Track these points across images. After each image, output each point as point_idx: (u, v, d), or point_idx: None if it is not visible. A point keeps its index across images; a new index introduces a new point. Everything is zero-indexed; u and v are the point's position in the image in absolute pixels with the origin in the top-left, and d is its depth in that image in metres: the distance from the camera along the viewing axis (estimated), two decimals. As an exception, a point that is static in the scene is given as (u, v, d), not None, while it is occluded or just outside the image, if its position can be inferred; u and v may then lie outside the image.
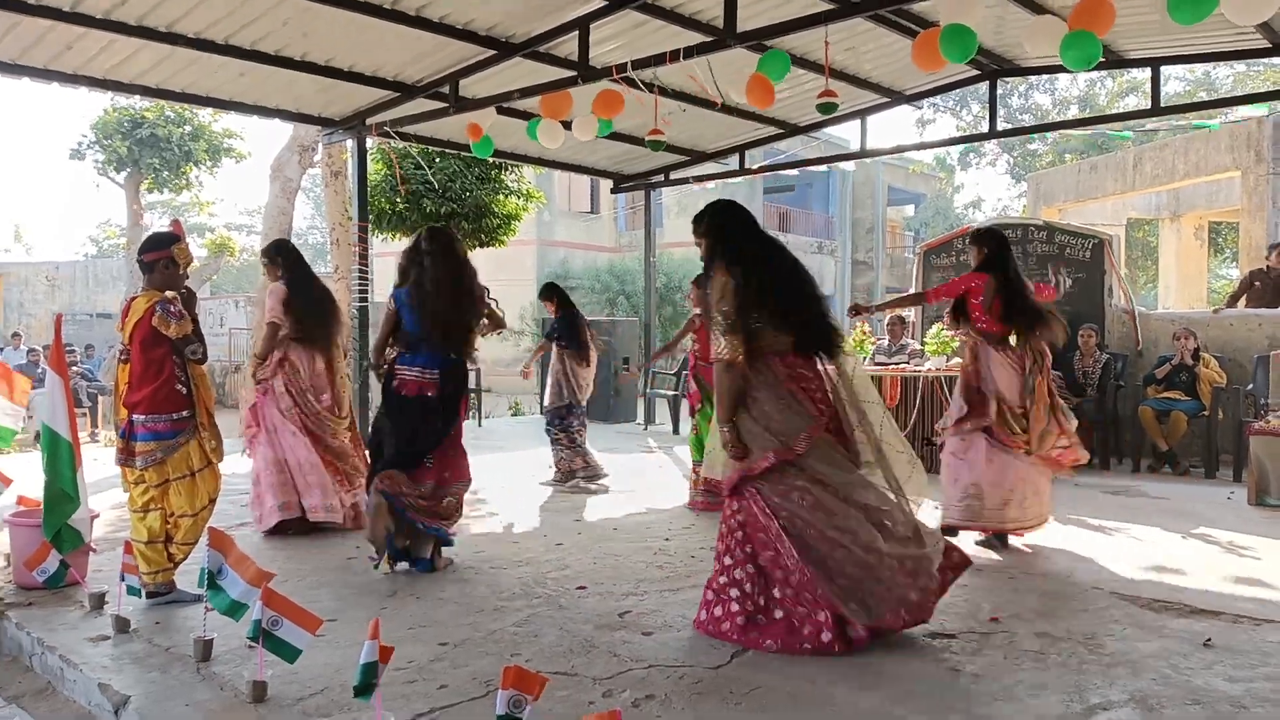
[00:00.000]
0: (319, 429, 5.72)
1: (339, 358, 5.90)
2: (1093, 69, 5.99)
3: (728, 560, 3.73)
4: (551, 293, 7.73)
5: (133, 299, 4.22)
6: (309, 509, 5.64)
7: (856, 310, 5.70)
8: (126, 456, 4.14)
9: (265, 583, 3.22)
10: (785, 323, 3.69)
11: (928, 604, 3.63)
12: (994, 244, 5.35)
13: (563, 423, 7.53)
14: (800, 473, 3.61)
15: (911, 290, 10.35)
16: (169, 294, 4.16)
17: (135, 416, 4.11)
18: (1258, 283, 9.67)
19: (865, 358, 9.18)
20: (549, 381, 7.61)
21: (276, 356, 5.69)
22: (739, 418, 3.67)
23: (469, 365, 5.00)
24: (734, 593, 3.67)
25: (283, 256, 5.84)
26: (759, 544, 3.65)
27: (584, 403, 7.61)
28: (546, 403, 7.64)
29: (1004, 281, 5.25)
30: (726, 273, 3.71)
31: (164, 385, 4.08)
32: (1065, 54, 5.66)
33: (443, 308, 4.69)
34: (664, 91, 7.64)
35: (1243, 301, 9.69)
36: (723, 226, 3.87)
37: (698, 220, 3.96)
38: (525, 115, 8.72)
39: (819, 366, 3.78)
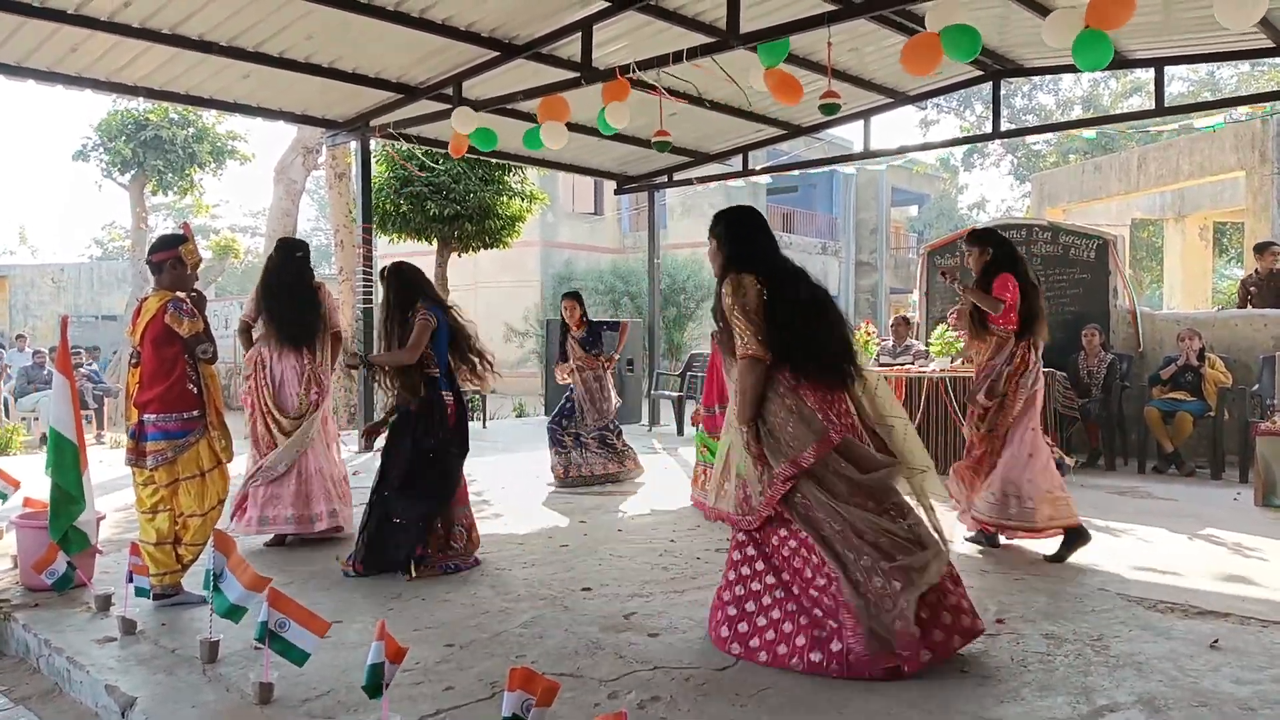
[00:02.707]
0: (269, 427, 5.53)
1: (318, 359, 5.57)
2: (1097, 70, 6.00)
3: (745, 570, 3.55)
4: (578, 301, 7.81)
5: (144, 300, 4.26)
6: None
7: (944, 274, 5.71)
8: (137, 457, 4.15)
9: (262, 589, 3.22)
10: (804, 355, 3.46)
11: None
12: (997, 242, 5.27)
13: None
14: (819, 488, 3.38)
15: (915, 291, 10.34)
16: (179, 294, 4.19)
17: (146, 416, 4.13)
18: (1253, 289, 9.61)
19: (870, 358, 9.17)
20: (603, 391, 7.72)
21: (252, 354, 5.55)
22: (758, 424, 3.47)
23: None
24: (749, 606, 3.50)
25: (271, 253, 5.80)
26: (783, 560, 3.45)
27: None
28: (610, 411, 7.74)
29: (1025, 281, 5.16)
30: (758, 283, 3.48)
31: (175, 384, 4.11)
32: (1078, 55, 5.66)
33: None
34: (669, 92, 7.63)
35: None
36: (751, 237, 3.64)
37: (716, 220, 3.71)
38: (529, 117, 8.72)
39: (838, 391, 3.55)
